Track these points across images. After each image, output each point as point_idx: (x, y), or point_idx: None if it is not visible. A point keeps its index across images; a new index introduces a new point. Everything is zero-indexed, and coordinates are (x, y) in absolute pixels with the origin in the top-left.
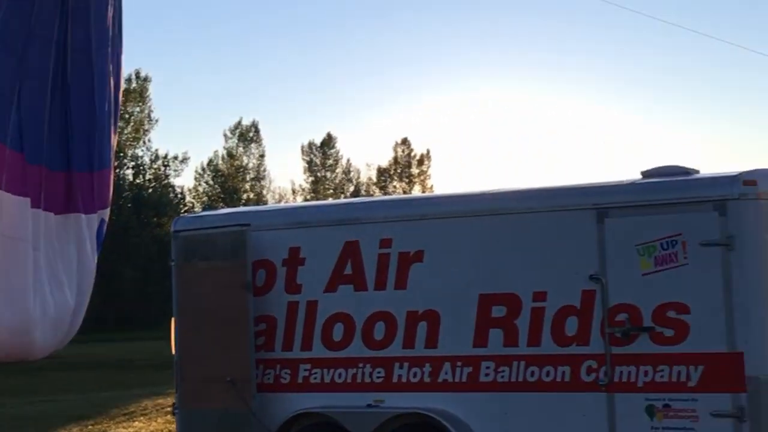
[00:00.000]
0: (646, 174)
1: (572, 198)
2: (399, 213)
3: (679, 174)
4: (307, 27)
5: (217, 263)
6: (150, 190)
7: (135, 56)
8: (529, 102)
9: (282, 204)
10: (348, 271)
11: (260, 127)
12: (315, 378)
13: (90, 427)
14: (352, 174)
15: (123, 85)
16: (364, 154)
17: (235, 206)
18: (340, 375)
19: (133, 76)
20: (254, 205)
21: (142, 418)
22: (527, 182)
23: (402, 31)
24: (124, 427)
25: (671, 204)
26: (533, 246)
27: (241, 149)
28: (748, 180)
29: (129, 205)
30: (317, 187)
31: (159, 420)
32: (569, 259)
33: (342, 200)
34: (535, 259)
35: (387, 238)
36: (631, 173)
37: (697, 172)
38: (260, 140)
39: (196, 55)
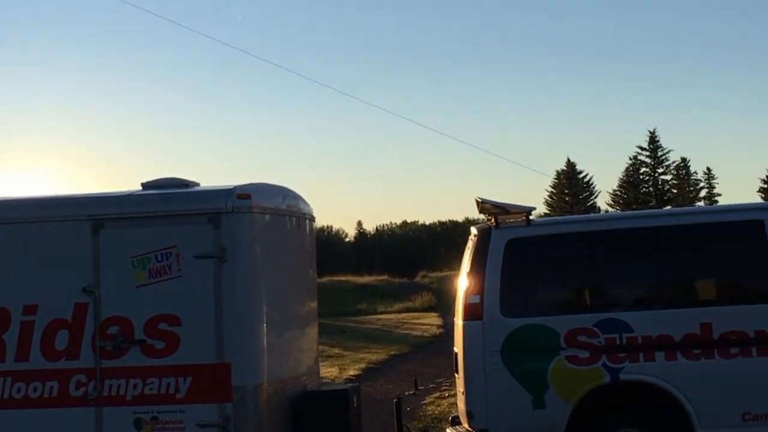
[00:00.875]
0: (146, 185)
1: (68, 208)
2: None
3: (178, 186)
4: None
5: None
6: None
7: None
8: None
9: None
10: None
11: None
12: None
13: None
14: None
15: None
16: None
17: None
18: None
19: None
20: None
21: None
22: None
23: None
24: None
25: (167, 216)
26: (25, 258)
27: None
28: (241, 194)
29: None
30: None
31: None
32: (63, 272)
33: None
34: (27, 272)
35: None
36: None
37: (198, 185)
38: None
39: None
